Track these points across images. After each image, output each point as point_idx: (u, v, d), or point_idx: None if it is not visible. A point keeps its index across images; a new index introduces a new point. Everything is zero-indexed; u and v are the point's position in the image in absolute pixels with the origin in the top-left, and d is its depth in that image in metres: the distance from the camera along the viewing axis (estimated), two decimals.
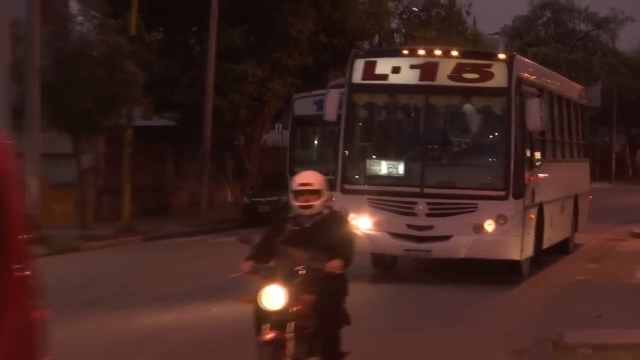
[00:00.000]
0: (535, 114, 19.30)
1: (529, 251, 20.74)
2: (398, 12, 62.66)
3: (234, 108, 39.14)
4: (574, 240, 28.02)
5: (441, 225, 19.47)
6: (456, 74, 19.96)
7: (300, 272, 8.98)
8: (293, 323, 9.00)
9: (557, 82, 28.14)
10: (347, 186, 20.41)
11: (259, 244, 9.68)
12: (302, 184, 9.62)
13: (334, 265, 8.97)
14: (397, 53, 22.03)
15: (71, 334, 13.74)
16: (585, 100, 32.61)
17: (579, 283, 21.57)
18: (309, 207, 9.50)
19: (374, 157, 21.24)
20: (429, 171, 20.28)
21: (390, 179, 20.72)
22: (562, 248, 26.45)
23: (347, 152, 20.78)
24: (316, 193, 9.53)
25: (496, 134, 21.28)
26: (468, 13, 68.40)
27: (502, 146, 20.10)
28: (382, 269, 22.21)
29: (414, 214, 19.50)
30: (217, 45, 36.90)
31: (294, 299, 8.87)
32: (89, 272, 22.32)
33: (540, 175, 22.04)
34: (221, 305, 17.57)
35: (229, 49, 37.78)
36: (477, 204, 19.52)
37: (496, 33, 73.20)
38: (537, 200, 21.54)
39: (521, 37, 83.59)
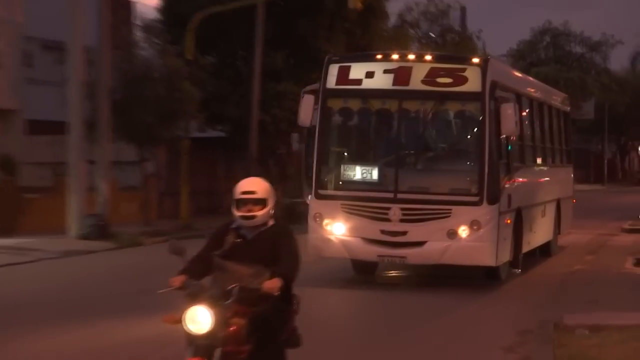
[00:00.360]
0: (510, 119, 16.79)
1: (506, 256, 18.12)
2: (417, 37, 62.83)
3: (276, 121, 39.14)
4: (557, 243, 25.30)
5: (415, 231, 16.85)
6: (430, 78, 17.32)
7: (233, 291, 7.21)
8: (221, 349, 7.33)
9: (537, 89, 24.93)
10: (321, 191, 17.75)
11: (195, 257, 7.90)
12: (245, 192, 7.79)
13: (271, 285, 7.19)
14: (371, 58, 19.12)
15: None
16: (569, 108, 29.60)
17: (576, 272, 21.46)
18: (252, 217, 7.70)
19: (348, 162, 18.40)
20: (403, 176, 17.54)
21: (364, 185, 17.82)
22: (545, 251, 23.97)
23: (321, 157, 17.99)
24: (260, 202, 7.75)
25: (470, 138, 18.34)
26: (478, 38, 68.25)
27: (476, 151, 17.30)
28: (364, 274, 19.29)
29: (388, 220, 16.89)
30: (262, 67, 36.83)
31: (223, 321, 7.14)
32: (152, 263, 22.45)
33: (518, 180, 19.30)
34: None
35: (271, 70, 37.68)
36: (451, 209, 16.90)
37: (503, 55, 73.03)
38: (515, 205, 18.80)
39: (525, 59, 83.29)
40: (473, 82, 17.17)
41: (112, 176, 30.77)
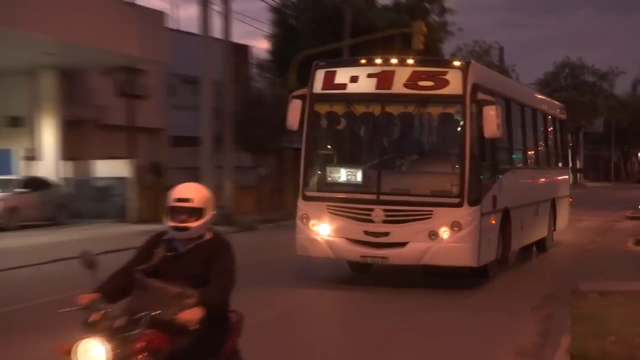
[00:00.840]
0: (492, 121, 13.60)
1: (490, 256, 14.78)
2: None
3: None
4: (552, 238, 20.98)
5: (397, 232, 13.84)
6: (412, 82, 14.16)
7: (142, 321, 4.93)
8: None
9: (527, 95, 20.92)
10: (308, 193, 14.81)
11: (117, 272, 5.58)
12: (179, 199, 5.51)
13: (189, 317, 4.97)
14: (355, 63, 15.51)
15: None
16: (565, 117, 24.76)
17: (589, 250, 21.13)
18: (185, 229, 5.41)
19: (333, 164, 15.27)
20: (386, 178, 14.38)
21: (348, 186, 14.77)
22: (540, 246, 20.12)
23: (308, 160, 15.10)
24: (196, 212, 5.45)
25: (452, 141, 14.91)
26: (513, 70, 67.77)
27: (457, 153, 14.05)
28: (360, 271, 16.00)
29: (371, 221, 13.91)
30: None
31: (122, 358, 4.79)
32: (263, 242, 22.53)
33: (505, 181, 15.85)
34: None
35: None
36: (432, 211, 13.75)
37: (532, 84, 72.24)
38: (501, 205, 15.42)
39: (549, 86, 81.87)
40: (454, 85, 13.96)
41: (234, 178, 30.99)
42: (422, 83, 14.19)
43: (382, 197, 14.11)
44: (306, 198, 14.79)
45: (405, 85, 14.29)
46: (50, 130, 32.06)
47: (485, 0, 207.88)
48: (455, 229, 13.55)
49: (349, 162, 15.48)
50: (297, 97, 14.81)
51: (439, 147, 15.80)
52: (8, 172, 30.53)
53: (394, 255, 14.02)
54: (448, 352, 9.89)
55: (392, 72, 14.44)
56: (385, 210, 13.95)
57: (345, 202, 14.35)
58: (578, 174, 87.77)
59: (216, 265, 5.39)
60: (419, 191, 14.23)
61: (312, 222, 14.44)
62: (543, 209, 19.75)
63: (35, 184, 28.53)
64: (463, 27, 79.77)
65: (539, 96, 24.48)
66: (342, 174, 15.06)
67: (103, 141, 34.96)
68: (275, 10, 43.32)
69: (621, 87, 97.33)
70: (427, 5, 52.67)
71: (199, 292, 5.15)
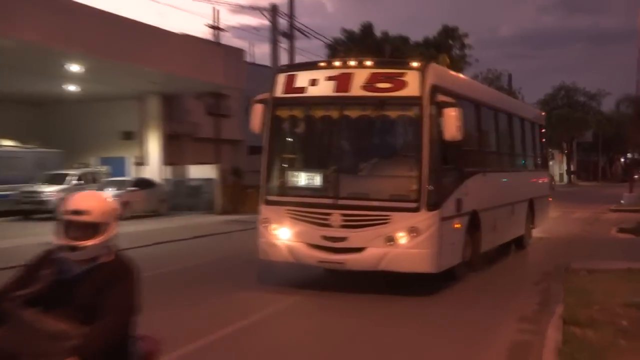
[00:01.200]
0: (452, 124, 10.76)
1: (454, 260, 11.91)
2: None
3: None
4: (530, 236, 18.00)
5: (355, 237, 11.03)
6: (370, 84, 11.32)
7: None
8: None
9: (501, 100, 17.18)
10: (269, 197, 12.01)
11: None
12: (74, 212, 3.66)
13: None
14: (315, 66, 12.37)
15: None
16: (543, 121, 20.93)
17: (579, 236, 20.74)
18: (78, 248, 3.61)
19: (293, 168, 12.46)
20: (344, 182, 11.46)
21: (307, 190, 11.94)
22: (518, 244, 17.10)
23: (269, 164, 12.26)
24: (93, 227, 3.66)
25: (410, 144, 11.83)
26: (519, 92, 66.92)
27: (415, 157, 11.08)
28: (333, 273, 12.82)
29: (329, 225, 11.14)
30: None
31: None
32: None
33: (474, 185, 12.82)
34: None
35: None
36: (390, 215, 10.92)
37: (534, 103, 71.27)
38: (468, 208, 12.39)
39: (549, 105, 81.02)
40: (412, 87, 11.08)
41: None
42: (380, 85, 11.32)
43: (340, 202, 11.25)
44: (267, 202, 11.97)
45: (363, 88, 11.38)
46: (155, 141, 33.09)
47: (497, 37, 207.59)
48: (413, 234, 10.81)
49: (308, 166, 12.55)
50: (259, 101, 12.14)
51: (398, 150, 12.55)
52: (123, 175, 31.29)
53: (352, 261, 11.12)
54: (462, 320, 9.76)
55: (351, 75, 11.54)
56: (343, 215, 11.12)
57: (304, 207, 11.56)
58: (572, 175, 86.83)
59: (110, 297, 3.61)
60: (377, 195, 11.32)
61: (273, 226, 11.69)
62: (520, 209, 16.62)
63: (143, 183, 29.03)
64: (479, 59, 79.74)
65: (514, 101, 20.99)
66: (302, 178, 12.32)
67: (195, 150, 35.49)
68: (329, 46, 43.55)
69: (607, 106, 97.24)
70: (450, 42, 52.64)
71: (83, 336, 3.45)
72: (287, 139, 12.89)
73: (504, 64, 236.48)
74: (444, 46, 50.03)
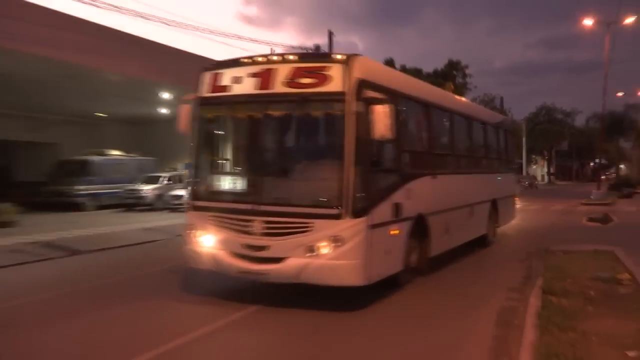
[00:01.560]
0: (381, 122, 7.91)
1: (392, 268, 8.75)
2: None
3: None
4: (494, 234, 14.52)
5: (277, 246, 8.13)
6: (292, 79, 8.33)
7: None
8: None
9: (458, 103, 13.06)
10: (194, 202, 8.98)
11: None
12: None
13: None
14: (238, 63, 8.91)
15: None
16: (510, 126, 17.65)
17: (556, 224, 20.26)
18: None
19: (217, 172, 9.44)
20: (266, 187, 8.54)
21: (230, 196, 8.99)
22: (481, 243, 13.64)
23: (196, 167, 9.30)
24: None
25: (334, 144, 8.20)
26: (509, 111, 66.14)
27: (339, 159, 7.90)
28: None
29: (250, 233, 8.28)
30: None
31: None
32: None
33: (419, 187, 9.55)
34: None
35: None
36: (312, 223, 7.97)
37: (522, 119, 70.35)
38: (412, 213, 9.17)
39: (532, 121, 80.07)
40: (336, 81, 8.09)
41: None
42: (303, 80, 8.17)
43: (261, 208, 8.17)
44: (193, 208, 8.86)
45: (286, 84, 8.25)
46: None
47: (492, 68, 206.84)
48: (337, 243, 7.77)
49: (232, 169, 9.38)
50: (185, 101, 9.18)
51: (322, 152, 8.78)
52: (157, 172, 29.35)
53: (274, 272, 8.06)
54: (462, 289, 9.66)
55: (273, 71, 8.38)
56: (265, 222, 8.09)
57: (226, 213, 8.47)
58: (551, 176, 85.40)
59: None
60: (299, 201, 8.11)
61: (197, 232, 8.69)
62: (481, 210, 13.28)
63: (175, 179, 27.74)
64: (477, 85, 79.59)
65: (474, 106, 16.45)
66: (225, 183, 9.26)
67: None
68: None
69: (579, 121, 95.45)
70: (454, 72, 52.53)
71: None
72: (212, 141, 9.39)
73: (497, 89, 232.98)
74: (449, 76, 49.76)
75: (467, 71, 53.81)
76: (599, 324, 6.91)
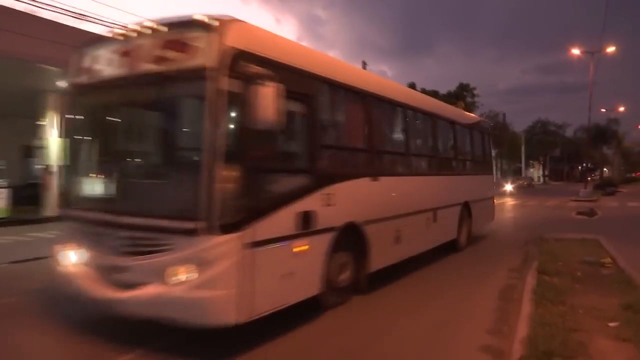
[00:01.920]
0: (269, 107, 3.73)
1: (301, 293, 4.96)
2: None
3: None
4: (466, 238, 10.73)
5: (132, 269, 4.01)
6: (154, 55, 3.94)
7: None
8: None
9: (413, 98, 8.35)
10: (59, 210, 4.90)
11: None
12: None
13: None
14: (106, 41, 4.45)
15: None
16: (487, 128, 12.94)
17: (549, 217, 19.64)
18: None
19: (80, 174, 4.91)
20: (123, 193, 4.40)
21: (88, 203, 4.71)
22: (451, 248, 9.96)
23: (65, 170, 4.83)
24: None
25: (198, 137, 3.72)
26: (510, 124, 64.50)
27: (200, 156, 3.70)
28: None
29: (106, 252, 4.22)
30: None
31: None
32: None
33: (350, 192, 5.85)
34: None
35: None
36: (172, 240, 3.87)
37: (520, 132, 68.50)
38: (336, 222, 5.54)
39: (530, 133, 78.27)
40: (201, 54, 4.10)
41: None
42: (165, 55, 4.55)
43: (118, 219, 4.68)
44: (58, 217, 5.42)
45: (146, 61, 4.68)
46: None
47: (496, 89, 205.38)
48: (200, 267, 4.30)
49: (93, 171, 5.49)
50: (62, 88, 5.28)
51: (187, 148, 5.13)
52: None
53: (131, 302, 4.51)
54: (471, 269, 9.38)
55: (134, 47, 4.81)
56: (120, 238, 4.64)
57: (82, 224, 5.04)
58: (546, 178, 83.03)
59: None
60: (158, 211, 4.55)
61: (57, 247, 5.26)
62: (448, 214, 9.58)
63: None
64: (483, 104, 77.39)
65: (442, 104, 10.56)
66: (85, 188, 5.44)
67: None
68: None
69: (569, 132, 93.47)
70: (465, 93, 51.83)
71: None
72: (76, 136, 5.69)
73: (500, 107, 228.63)
74: (460, 96, 49.16)
75: (475, 92, 53.00)
76: (585, 299, 6.65)
